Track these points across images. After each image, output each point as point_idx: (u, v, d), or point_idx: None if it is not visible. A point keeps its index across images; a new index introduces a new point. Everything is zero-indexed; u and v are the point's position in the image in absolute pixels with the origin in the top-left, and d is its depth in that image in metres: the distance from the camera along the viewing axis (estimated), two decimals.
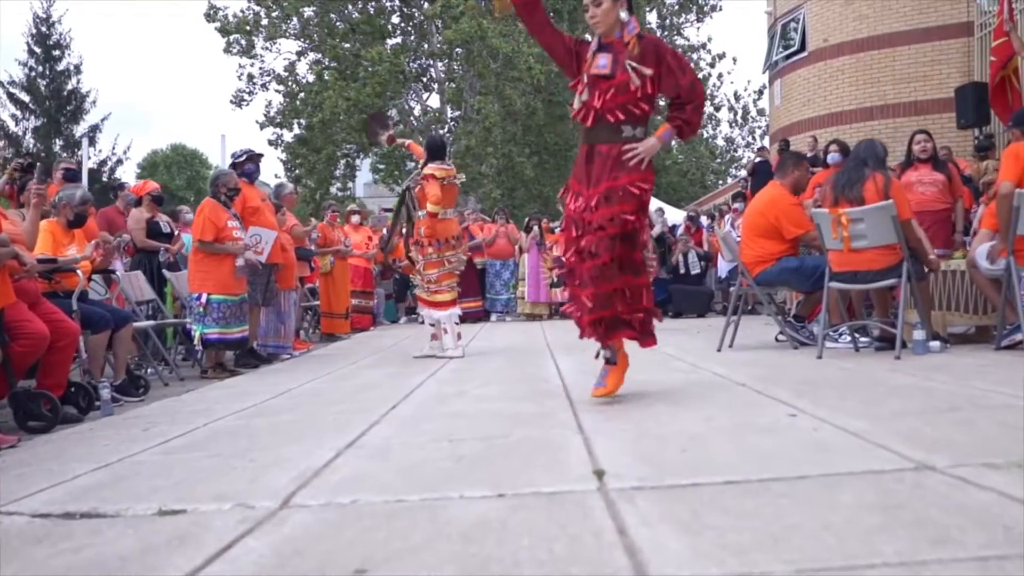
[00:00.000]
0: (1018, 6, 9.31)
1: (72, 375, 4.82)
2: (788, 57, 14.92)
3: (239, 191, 6.48)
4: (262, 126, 23.09)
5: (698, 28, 52.45)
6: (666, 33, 26.69)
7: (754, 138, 32.61)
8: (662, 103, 4.06)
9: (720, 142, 33.51)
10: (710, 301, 11.97)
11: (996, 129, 10.62)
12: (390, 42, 22.56)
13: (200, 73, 78.09)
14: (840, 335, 5.47)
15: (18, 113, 25.86)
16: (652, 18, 26.09)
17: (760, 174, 11.39)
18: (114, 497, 2.35)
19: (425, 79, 23.78)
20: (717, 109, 31.92)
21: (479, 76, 20.83)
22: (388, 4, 23.35)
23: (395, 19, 23.57)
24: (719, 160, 33.59)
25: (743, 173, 14.87)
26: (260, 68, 22.88)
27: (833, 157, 7.42)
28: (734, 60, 49.82)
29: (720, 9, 27.31)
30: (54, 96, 26.03)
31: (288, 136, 23.13)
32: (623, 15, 3.37)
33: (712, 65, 28.61)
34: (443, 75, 23.25)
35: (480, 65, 20.42)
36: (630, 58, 3.30)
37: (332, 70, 21.33)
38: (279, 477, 2.45)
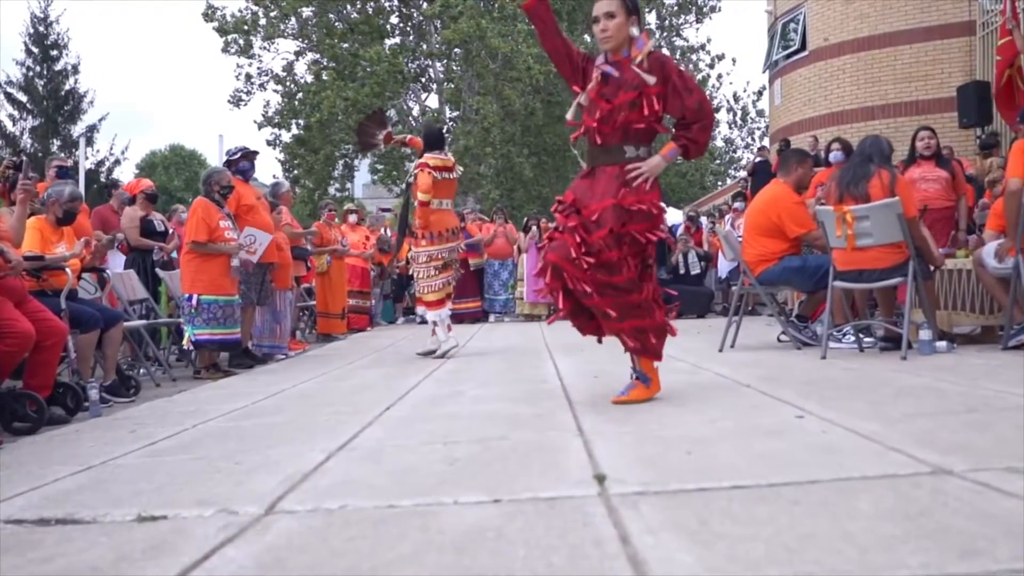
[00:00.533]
0: (1021, 5, 9.21)
1: (61, 375, 4.72)
2: (788, 56, 14.82)
3: (232, 189, 6.38)
4: (260, 126, 22.97)
5: (697, 29, 52.36)
6: (665, 34, 26.59)
7: (753, 139, 32.55)
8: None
9: (719, 143, 33.42)
10: (710, 301, 11.87)
11: (1000, 127, 10.53)
12: (388, 42, 22.43)
13: (198, 73, 78.04)
14: (844, 335, 5.37)
15: (15, 113, 25.77)
16: (651, 19, 25.97)
17: (760, 174, 11.30)
18: (93, 502, 2.25)
19: (424, 79, 23.67)
20: (716, 110, 31.83)
21: (478, 76, 20.72)
22: (387, 4, 23.24)
23: (394, 19, 23.46)
24: (718, 161, 33.51)
25: (743, 174, 14.79)
26: (258, 68, 22.77)
27: (835, 156, 7.31)
28: (733, 61, 49.73)
29: (719, 10, 27.22)
30: (52, 96, 25.91)
31: (286, 136, 23.01)
32: (634, 31, 3.27)
33: (711, 66, 28.51)
34: (442, 75, 23.14)
35: (479, 65, 20.31)
36: (641, 75, 3.21)
37: (330, 70, 21.20)
38: (266, 481, 2.35)
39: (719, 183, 31.70)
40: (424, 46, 22.59)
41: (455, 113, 22.84)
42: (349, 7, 22.49)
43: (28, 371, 4.10)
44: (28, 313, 4.06)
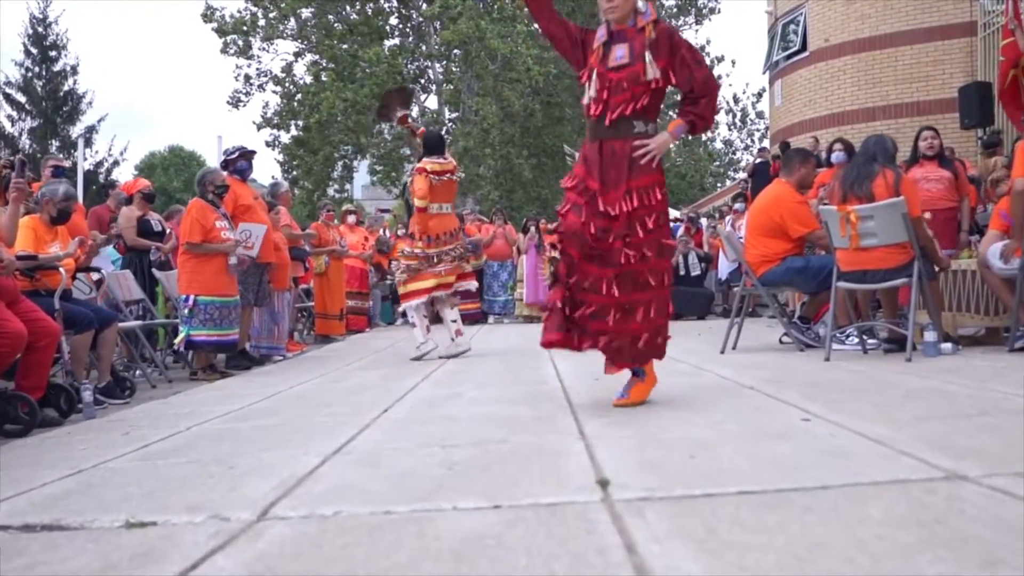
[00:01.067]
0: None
1: (55, 376, 4.66)
2: (789, 57, 14.76)
3: (227, 188, 6.32)
4: (259, 127, 22.91)
5: (696, 31, 52.29)
6: None
7: (753, 141, 32.50)
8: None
9: (719, 145, 33.39)
10: (710, 303, 11.81)
11: (1005, 127, 10.47)
12: (388, 43, 22.37)
13: (197, 74, 78.00)
14: (847, 337, 5.31)
15: (14, 114, 25.69)
16: None
17: (760, 175, 11.24)
18: (81, 507, 2.19)
19: (423, 80, 23.60)
20: (716, 111, 31.73)
21: (477, 77, 20.67)
22: (386, 5, 23.18)
23: (393, 20, 23.40)
24: (717, 163, 33.46)
25: (742, 175, 14.73)
26: (257, 69, 22.72)
27: (838, 156, 7.25)
28: (733, 63, 49.79)
29: (718, 11, 27.19)
30: (50, 97, 25.85)
31: (285, 137, 22.94)
32: (640, 3, 3.19)
33: (711, 68, 28.47)
34: (441, 76, 23.08)
35: (478, 66, 20.26)
36: (648, 46, 3.12)
37: (329, 71, 21.14)
38: (259, 486, 2.29)
39: (719, 185, 31.65)
40: (423, 47, 22.53)
41: (454, 114, 22.78)
42: (348, 8, 22.44)
43: (20, 372, 4.04)
44: (21, 313, 4.00)
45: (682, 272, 11.55)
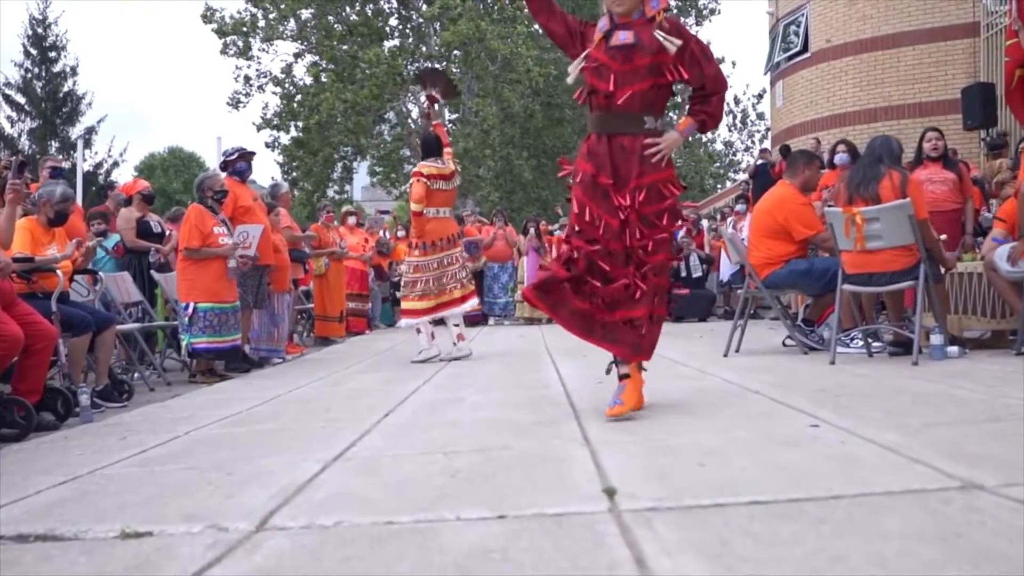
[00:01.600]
0: None
1: (52, 378, 4.61)
2: (790, 58, 14.72)
3: (226, 193, 6.27)
4: (259, 128, 22.86)
5: (697, 32, 52.29)
6: None
7: (753, 142, 32.45)
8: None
9: (719, 146, 33.34)
10: (712, 305, 11.76)
11: (1011, 127, 10.43)
12: (388, 44, 22.32)
13: (197, 75, 78.03)
14: (852, 340, 5.26)
15: (14, 115, 25.63)
16: None
17: (761, 176, 11.21)
18: (76, 516, 2.14)
19: None
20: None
21: (477, 78, 20.63)
22: (386, 6, 23.14)
23: (393, 21, 23.35)
24: (717, 164, 33.41)
25: (743, 176, 14.71)
26: (257, 70, 22.67)
27: (841, 158, 7.22)
28: (733, 64, 49.67)
29: (719, 12, 27.17)
30: (50, 98, 25.79)
31: (285, 138, 22.90)
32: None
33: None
34: None
35: (478, 67, 20.21)
36: (660, 30, 3.01)
37: (329, 72, 21.10)
38: (258, 494, 2.24)
39: (719, 186, 31.60)
40: (423, 48, 22.49)
41: (454, 115, 22.73)
42: (348, 9, 22.39)
43: (17, 376, 3.99)
44: (17, 316, 3.95)
45: (683, 274, 11.50)
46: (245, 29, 21.71)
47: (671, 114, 16.81)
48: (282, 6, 21.32)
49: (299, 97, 22.16)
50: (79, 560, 1.75)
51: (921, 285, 4.51)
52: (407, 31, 23.12)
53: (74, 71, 26.38)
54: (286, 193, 8.89)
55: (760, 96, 31.53)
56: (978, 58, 12.17)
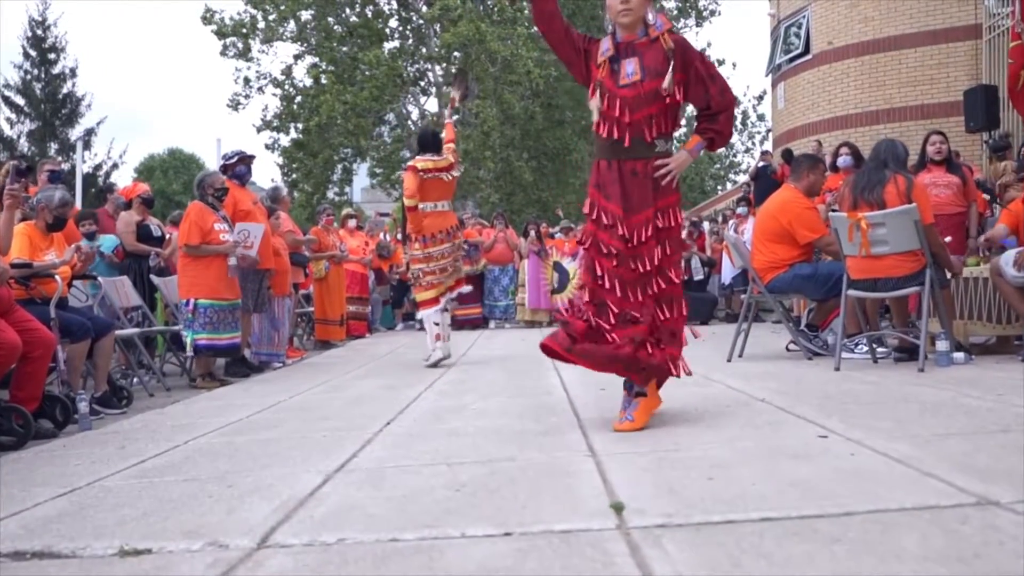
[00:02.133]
0: None
1: (51, 383, 4.57)
2: (792, 60, 14.68)
3: (227, 191, 6.24)
4: (259, 130, 22.82)
5: (697, 33, 52.22)
6: None
7: (753, 143, 32.44)
8: None
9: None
10: (714, 308, 11.73)
11: (1015, 129, 10.40)
12: (388, 45, 22.29)
13: (197, 77, 78.01)
14: (856, 345, 5.23)
15: (13, 116, 25.57)
16: None
17: (763, 179, 11.17)
18: (73, 532, 2.10)
19: (423, 83, 23.53)
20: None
21: (477, 80, 20.58)
22: (386, 7, 23.10)
23: (393, 22, 23.29)
24: (718, 165, 33.39)
25: (744, 178, 14.68)
26: (256, 71, 22.65)
27: (844, 160, 7.17)
28: (733, 65, 49.69)
29: (719, 14, 27.12)
30: (49, 99, 25.74)
31: (285, 140, 22.86)
32: (650, 16, 3.04)
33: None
34: (441, 79, 22.99)
35: (478, 69, 20.17)
36: (668, 56, 2.98)
37: (329, 73, 21.06)
38: (259, 508, 2.20)
39: (719, 187, 31.57)
40: (423, 49, 22.46)
41: (454, 117, 22.67)
42: (348, 10, 22.35)
43: (14, 383, 3.95)
44: (15, 323, 3.90)
45: (685, 277, 11.47)
46: (245, 31, 21.68)
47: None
48: (282, 7, 21.29)
49: (299, 99, 22.13)
50: None
51: (927, 291, 4.48)
52: (407, 33, 23.09)
53: (73, 72, 26.33)
54: (285, 196, 8.85)
55: (760, 97, 31.52)
56: (980, 60, 12.13)
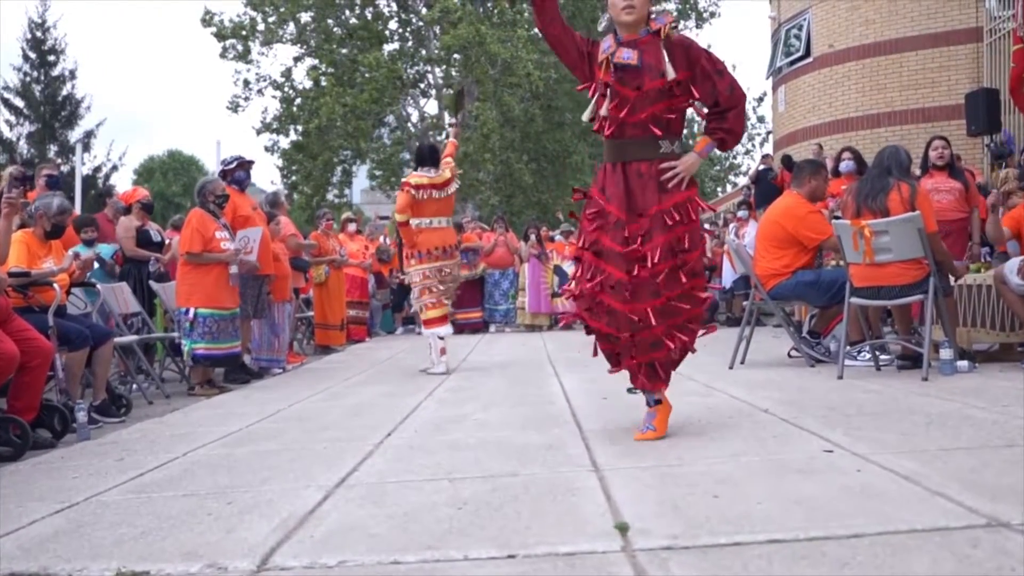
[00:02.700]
0: None
1: (50, 391, 4.54)
2: (792, 63, 14.67)
3: (227, 198, 6.21)
4: (258, 132, 22.78)
5: (697, 34, 52.23)
6: None
7: (753, 145, 32.39)
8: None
9: (717, 149, 33.18)
10: (714, 311, 11.69)
11: (1017, 132, 10.38)
12: (387, 48, 22.26)
13: (196, 79, 77.98)
14: (859, 353, 5.20)
15: (12, 119, 25.53)
16: None
17: (763, 182, 11.16)
18: (70, 551, 2.07)
19: (423, 85, 23.50)
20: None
21: (477, 82, 20.56)
22: (386, 10, 23.07)
23: (393, 24, 23.26)
24: (717, 167, 33.34)
25: (743, 180, 14.67)
26: (256, 74, 22.59)
27: (847, 165, 7.15)
28: (734, 67, 49.37)
29: (719, 15, 27.11)
30: (49, 101, 25.70)
31: (284, 142, 22.83)
32: (654, 15, 3.00)
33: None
34: (441, 81, 22.98)
35: (478, 71, 20.14)
36: (664, 47, 2.92)
37: (329, 76, 21.03)
38: (259, 526, 2.17)
39: (719, 189, 31.54)
40: (423, 52, 22.43)
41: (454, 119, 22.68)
42: (348, 12, 22.33)
43: (12, 393, 3.92)
44: (12, 332, 3.87)
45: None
46: (244, 33, 21.64)
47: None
48: (281, 9, 21.25)
49: (299, 101, 22.09)
50: None
51: (931, 299, 4.45)
52: (407, 35, 23.06)
53: (73, 74, 26.29)
54: (284, 201, 8.82)
55: (760, 99, 31.49)
56: (982, 63, 12.12)
